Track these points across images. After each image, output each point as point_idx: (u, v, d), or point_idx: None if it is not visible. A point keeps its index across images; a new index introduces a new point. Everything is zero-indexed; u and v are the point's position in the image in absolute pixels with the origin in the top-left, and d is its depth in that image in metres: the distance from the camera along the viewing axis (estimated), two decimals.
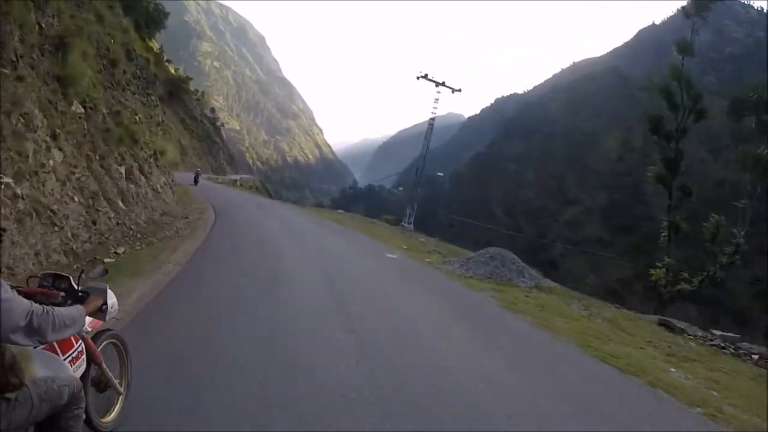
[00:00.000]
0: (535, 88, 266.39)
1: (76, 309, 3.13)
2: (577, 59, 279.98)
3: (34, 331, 2.61)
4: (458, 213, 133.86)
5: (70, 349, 3.42)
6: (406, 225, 46.31)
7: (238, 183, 76.73)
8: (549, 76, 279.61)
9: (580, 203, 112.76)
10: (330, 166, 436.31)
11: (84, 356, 3.61)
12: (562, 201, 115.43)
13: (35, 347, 3.00)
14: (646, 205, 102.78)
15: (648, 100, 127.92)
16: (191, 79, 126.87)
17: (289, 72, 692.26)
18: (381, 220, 48.05)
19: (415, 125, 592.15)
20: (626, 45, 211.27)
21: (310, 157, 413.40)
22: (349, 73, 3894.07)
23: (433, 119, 48.79)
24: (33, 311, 2.62)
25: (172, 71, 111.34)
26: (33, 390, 2.73)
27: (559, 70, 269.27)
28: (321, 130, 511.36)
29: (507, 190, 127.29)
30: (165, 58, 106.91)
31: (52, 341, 3.02)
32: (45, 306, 2.75)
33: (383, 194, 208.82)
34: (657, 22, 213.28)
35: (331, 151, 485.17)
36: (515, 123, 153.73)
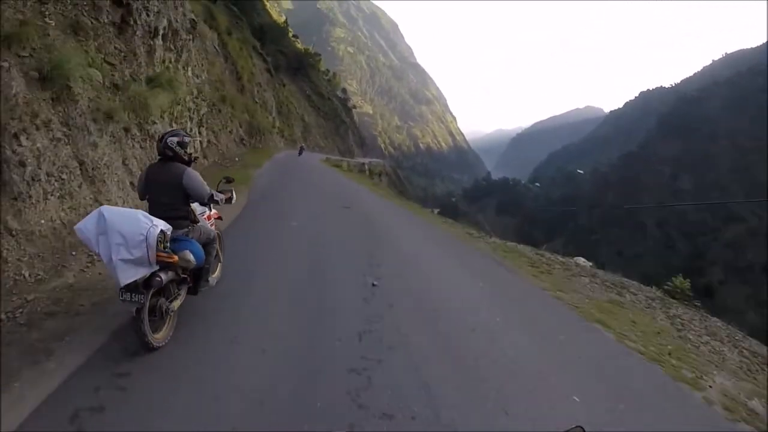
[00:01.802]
0: (683, 81, 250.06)
1: (222, 194, 6.66)
2: (730, 50, 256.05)
3: (211, 200, 6.23)
4: (601, 219, 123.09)
5: (209, 220, 7.11)
6: None
7: (366, 168, 68.51)
8: (699, 68, 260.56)
9: (745, 221, 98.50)
10: (462, 155, 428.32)
11: (214, 227, 7.23)
12: (725, 217, 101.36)
13: (208, 211, 7.14)
14: None
15: None
16: (319, 55, 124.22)
17: (422, 58, 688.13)
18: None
19: (551, 117, 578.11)
20: None
21: (443, 144, 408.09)
22: (484, 61, 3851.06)
23: None
24: (211, 190, 6.23)
25: (299, 46, 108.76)
26: (201, 227, 6.30)
27: (710, 62, 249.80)
28: (455, 118, 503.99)
29: (660, 198, 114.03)
30: (292, 33, 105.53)
31: (214, 207, 7.23)
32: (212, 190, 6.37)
33: (519, 189, 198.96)
34: None
35: (464, 140, 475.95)
36: (669, 120, 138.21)
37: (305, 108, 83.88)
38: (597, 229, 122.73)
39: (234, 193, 7.16)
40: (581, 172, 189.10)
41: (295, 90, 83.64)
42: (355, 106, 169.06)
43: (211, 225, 7.03)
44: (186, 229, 5.95)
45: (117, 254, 4.81)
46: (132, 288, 5.00)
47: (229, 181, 7.89)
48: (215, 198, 6.31)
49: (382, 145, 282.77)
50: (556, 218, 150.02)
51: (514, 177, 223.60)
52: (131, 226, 4.88)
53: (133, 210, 5.14)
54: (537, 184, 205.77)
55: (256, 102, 48.37)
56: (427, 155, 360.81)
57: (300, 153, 52.30)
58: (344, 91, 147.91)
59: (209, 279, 6.58)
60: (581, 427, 1.47)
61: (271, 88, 61.65)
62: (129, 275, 4.86)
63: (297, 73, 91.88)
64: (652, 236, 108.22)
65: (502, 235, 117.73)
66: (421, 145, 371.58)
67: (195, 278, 6.18)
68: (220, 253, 7.40)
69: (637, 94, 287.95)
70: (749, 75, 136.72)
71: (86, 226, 4.93)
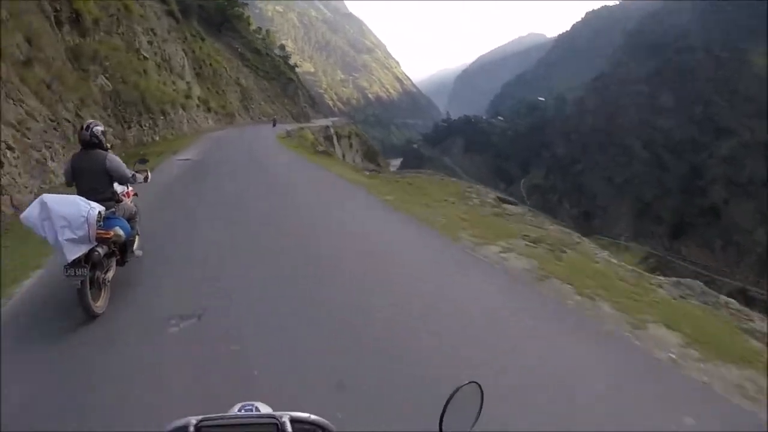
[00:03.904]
0: None
1: (140, 173, 7.41)
2: None
3: (132, 180, 6.94)
4: (583, 146, 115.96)
5: (128, 197, 7.63)
6: None
7: (332, 131, 58.52)
8: None
9: (736, 134, 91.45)
10: (414, 99, 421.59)
11: (132, 203, 7.67)
12: (714, 131, 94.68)
13: (126, 189, 7.51)
14: None
15: None
16: (246, 4, 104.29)
17: (354, 7, 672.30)
18: None
19: (495, 49, 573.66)
20: None
21: (392, 91, 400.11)
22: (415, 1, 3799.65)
23: None
24: (131, 171, 6.89)
25: None
26: (124, 205, 6.98)
27: None
28: (398, 63, 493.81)
29: (642, 119, 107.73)
30: None
31: (130, 185, 7.48)
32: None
33: (482, 125, 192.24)
34: None
35: (412, 84, 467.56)
36: (638, 37, 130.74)
37: (239, 69, 70.74)
38: (579, 157, 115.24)
39: (149, 172, 8.03)
40: (542, 99, 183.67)
41: (223, 48, 70.74)
42: (296, 65, 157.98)
43: (130, 201, 7.70)
44: (113, 209, 6.59)
45: (62, 235, 5.37)
46: (75, 264, 5.50)
47: (143, 161, 8.68)
48: (135, 178, 7.14)
49: (330, 102, 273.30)
50: (529, 150, 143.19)
51: (473, 114, 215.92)
52: (73, 210, 5.50)
53: (72, 196, 5.85)
54: (500, 117, 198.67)
55: (144, 57, 32.41)
56: (378, 105, 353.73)
57: (274, 125, 50.82)
58: (282, 47, 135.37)
59: (134, 251, 7.22)
60: (476, 383, 1.51)
61: (179, 40, 45.58)
62: (74, 252, 5.46)
63: (222, 28, 79.04)
64: (639, 158, 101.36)
65: (476, 175, 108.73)
66: (369, 95, 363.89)
67: (122, 251, 6.81)
68: (138, 227, 7.76)
69: (582, 15, 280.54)
70: None
71: (31, 214, 5.52)
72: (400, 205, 13.18)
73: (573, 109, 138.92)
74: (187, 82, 42.15)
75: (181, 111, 35.74)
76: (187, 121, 36.92)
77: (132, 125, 25.01)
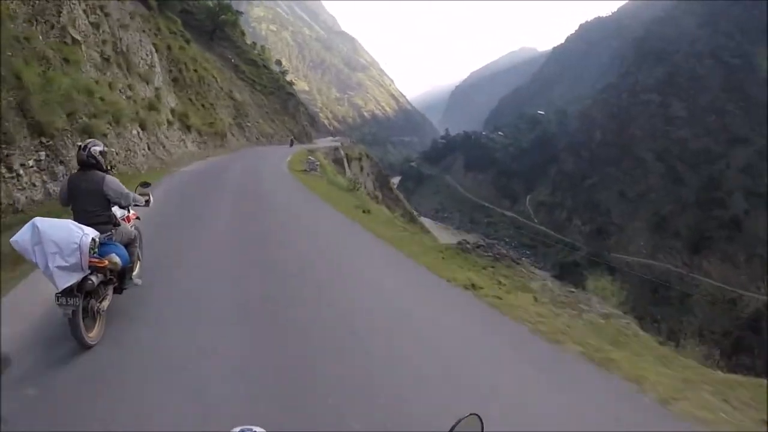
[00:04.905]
0: (620, 9, 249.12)
1: (140, 196, 6.97)
2: None
3: (131, 201, 6.53)
4: (593, 160, 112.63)
5: (130, 221, 7.28)
6: None
7: (342, 152, 54.14)
8: None
9: (752, 143, 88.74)
10: (409, 117, 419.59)
11: (133, 227, 7.32)
12: (729, 140, 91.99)
13: (127, 213, 7.24)
14: None
15: None
16: (241, 13, 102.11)
17: (347, 26, 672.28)
18: None
19: (488, 65, 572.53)
20: None
21: (388, 109, 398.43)
22: (405, 17, 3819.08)
23: None
24: (131, 194, 6.50)
25: (209, 3, 77.93)
26: (122, 230, 6.51)
27: None
28: (392, 80, 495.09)
29: (654, 129, 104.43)
30: None
31: (132, 209, 7.38)
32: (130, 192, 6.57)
33: (482, 141, 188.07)
34: None
35: (407, 102, 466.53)
36: (645, 45, 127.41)
37: (233, 81, 63.67)
38: (589, 172, 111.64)
39: (151, 196, 7.51)
40: (542, 113, 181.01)
41: (215, 59, 64.09)
42: (292, 83, 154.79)
43: (131, 226, 7.27)
44: (109, 233, 6.15)
45: (53, 262, 5.09)
46: (67, 292, 5.21)
47: (145, 185, 8.14)
48: (135, 201, 6.75)
49: (326, 121, 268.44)
50: (534, 165, 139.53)
51: (471, 130, 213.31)
52: (64, 236, 5.15)
53: (65, 220, 5.43)
54: (500, 132, 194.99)
55: (73, 40, 19.91)
56: (374, 123, 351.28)
57: (291, 145, 52.01)
58: (279, 63, 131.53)
59: (133, 278, 6.79)
60: (477, 415, 1.48)
61: (148, 31, 34.78)
62: (65, 281, 5.15)
63: (214, 37, 73.25)
64: (654, 171, 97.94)
65: (479, 194, 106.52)
66: (365, 113, 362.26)
67: (120, 278, 6.43)
68: (139, 252, 7.47)
69: (576, 28, 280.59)
70: None
71: (22, 238, 5.18)
72: None
73: (578, 122, 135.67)
74: (156, 88, 31.40)
75: (136, 130, 23.96)
76: (147, 147, 25.39)
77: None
